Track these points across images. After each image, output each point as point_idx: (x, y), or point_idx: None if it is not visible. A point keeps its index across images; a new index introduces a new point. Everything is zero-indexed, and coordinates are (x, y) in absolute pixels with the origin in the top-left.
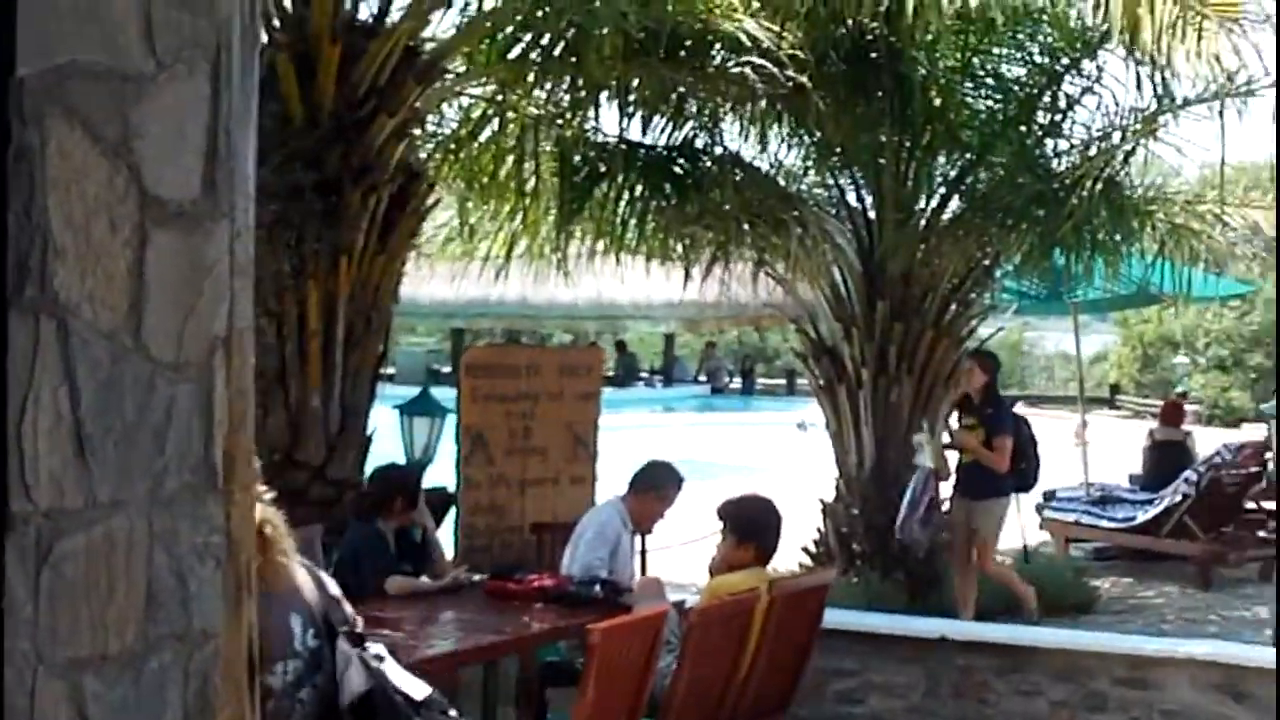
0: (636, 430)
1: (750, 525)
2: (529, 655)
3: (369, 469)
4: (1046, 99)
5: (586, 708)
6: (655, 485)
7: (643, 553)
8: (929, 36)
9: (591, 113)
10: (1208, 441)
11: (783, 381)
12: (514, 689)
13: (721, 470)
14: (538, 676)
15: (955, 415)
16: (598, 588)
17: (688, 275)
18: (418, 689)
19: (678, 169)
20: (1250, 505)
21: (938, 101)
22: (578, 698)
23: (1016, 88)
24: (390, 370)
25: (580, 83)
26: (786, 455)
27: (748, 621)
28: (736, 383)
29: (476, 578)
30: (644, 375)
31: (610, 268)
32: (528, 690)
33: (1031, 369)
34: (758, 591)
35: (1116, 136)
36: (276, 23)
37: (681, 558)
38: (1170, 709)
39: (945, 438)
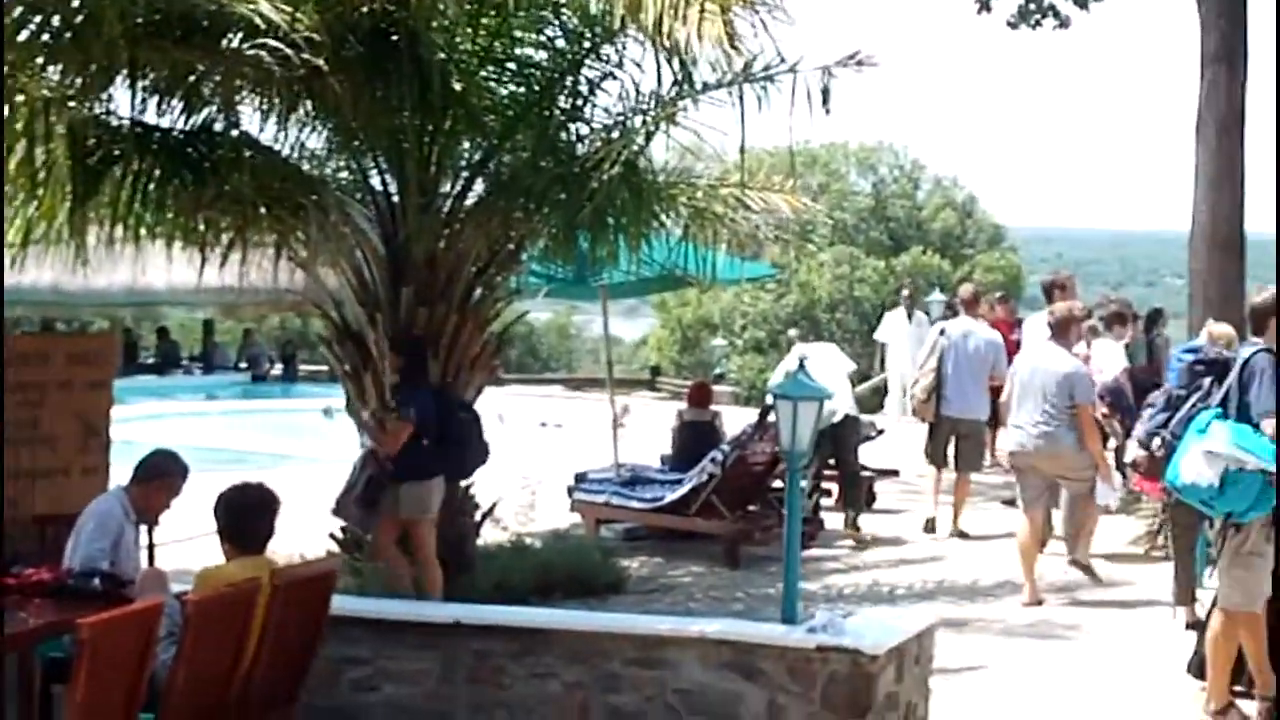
0: (176, 419)
1: (224, 515)
2: (27, 651)
3: None
4: (568, 83)
5: (78, 702)
6: (158, 474)
7: (150, 545)
8: (446, 20)
9: (106, 95)
10: (744, 421)
11: (326, 368)
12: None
13: (261, 459)
14: (41, 672)
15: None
16: (96, 580)
17: (204, 261)
18: None
19: (194, 152)
20: (776, 483)
21: (459, 85)
22: (68, 693)
23: (538, 72)
24: None
25: (91, 65)
26: (326, 442)
27: (249, 611)
28: (279, 369)
29: None
30: (184, 362)
31: (149, 253)
32: (28, 687)
33: (579, 352)
34: (259, 580)
35: (637, 121)
36: None
37: (201, 549)
38: (682, 688)
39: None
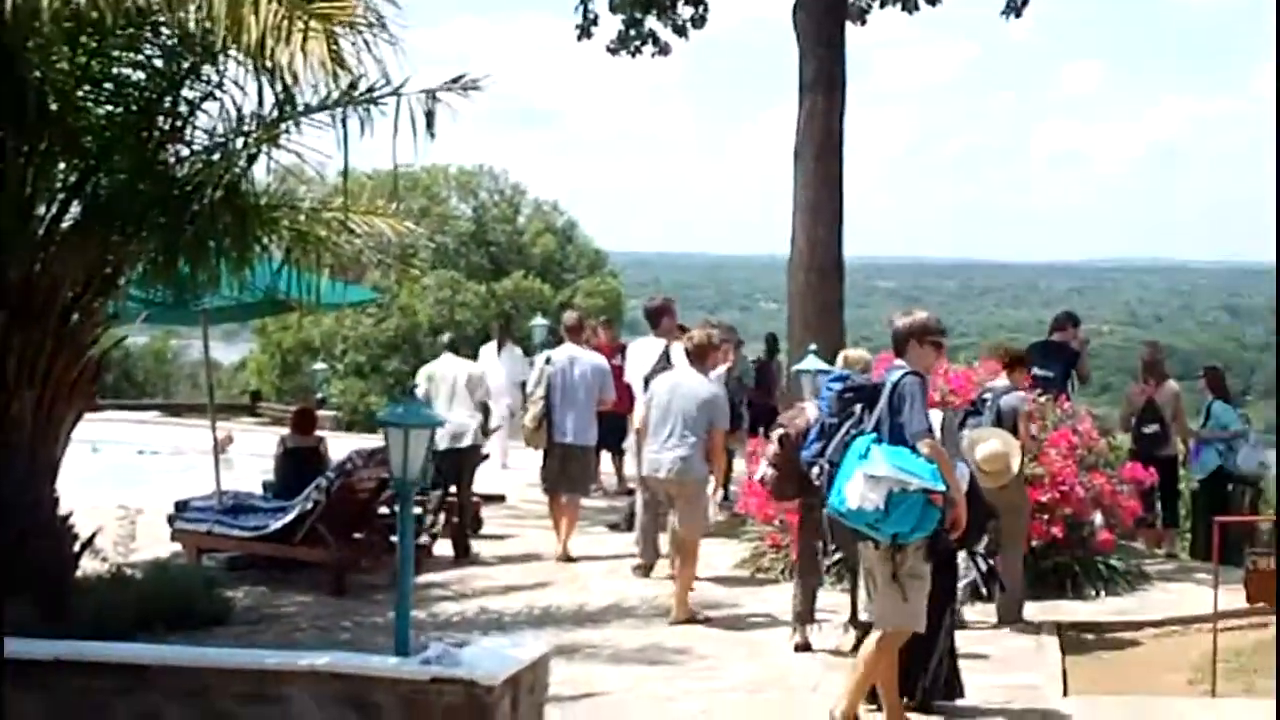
0: None
1: None
2: None
3: None
4: (168, 104)
5: None
6: None
7: None
8: (43, 38)
9: None
10: (347, 447)
11: None
12: None
13: None
14: None
15: None
16: None
17: None
18: None
19: None
20: (383, 510)
21: (55, 105)
22: None
23: (136, 92)
24: None
25: None
26: None
27: None
28: None
29: None
30: None
31: None
32: None
33: (177, 377)
34: None
35: (239, 143)
36: None
37: None
38: None
39: None
